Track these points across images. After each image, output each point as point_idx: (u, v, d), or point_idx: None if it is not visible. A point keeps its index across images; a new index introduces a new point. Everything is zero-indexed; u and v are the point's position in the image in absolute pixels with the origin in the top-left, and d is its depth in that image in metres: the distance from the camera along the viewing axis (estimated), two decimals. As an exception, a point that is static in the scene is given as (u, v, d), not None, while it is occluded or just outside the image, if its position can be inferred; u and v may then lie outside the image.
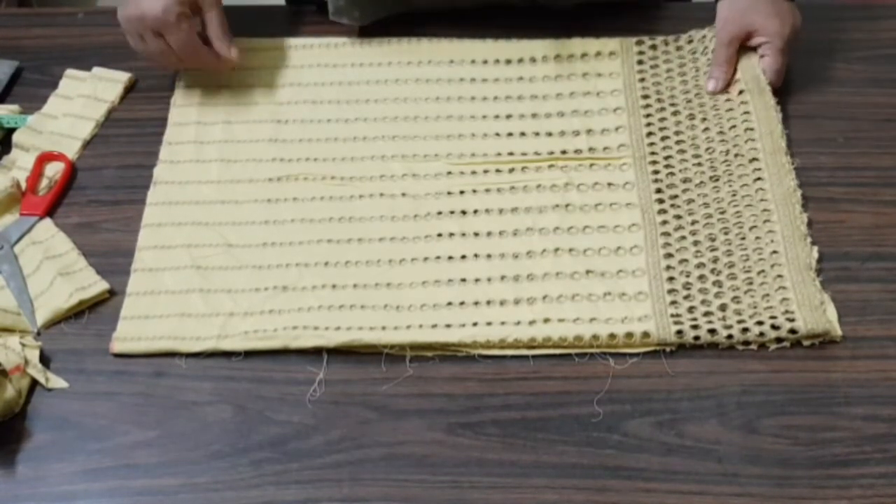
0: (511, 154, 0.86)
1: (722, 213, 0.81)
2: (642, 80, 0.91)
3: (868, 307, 0.76)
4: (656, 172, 0.84)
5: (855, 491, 0.66)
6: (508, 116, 0.89)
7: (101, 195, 0.86)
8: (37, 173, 0.86)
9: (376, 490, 0.68)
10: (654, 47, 0.93)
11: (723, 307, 0.75)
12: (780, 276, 0.76)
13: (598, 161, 0.85)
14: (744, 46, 0.89)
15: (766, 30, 0.87)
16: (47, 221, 0.83)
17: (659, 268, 0.78)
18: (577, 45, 0.94)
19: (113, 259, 0.81)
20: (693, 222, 0.80)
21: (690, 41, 0.93)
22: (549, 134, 0.88)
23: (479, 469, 0.68)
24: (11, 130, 0.90)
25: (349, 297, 0.77)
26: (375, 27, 0.96)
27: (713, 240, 0.79)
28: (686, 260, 0.78)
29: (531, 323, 0.74)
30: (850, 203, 0.82)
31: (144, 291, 0.78)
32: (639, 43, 0.93)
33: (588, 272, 0.78)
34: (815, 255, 0.78)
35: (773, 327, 0.73)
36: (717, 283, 0.76)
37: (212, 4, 0.87)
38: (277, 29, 0.99)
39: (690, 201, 0.82)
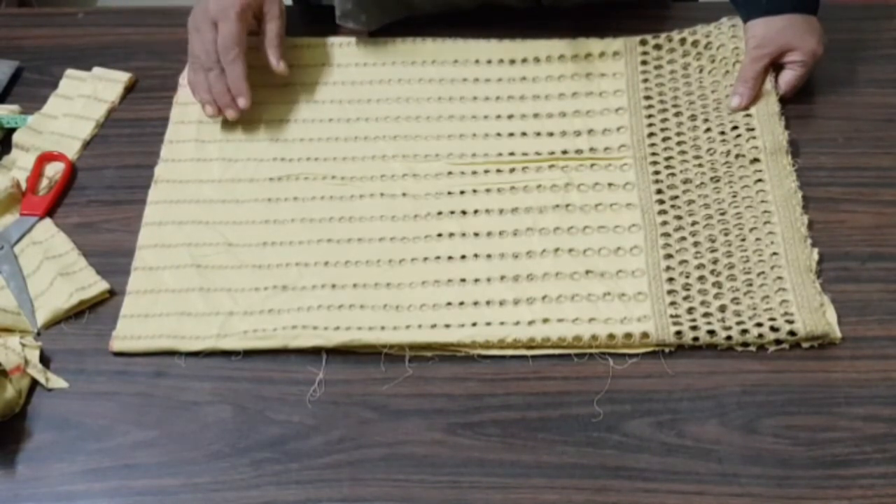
0: (511, 154, 0.86)
1: (722, 214, 0.81)
2: (645, 80, 0.91)
3: (868, 307, 0.76)
4: (657, 173, 0.84)
5: (855, 491, 0.66)
6: (510, 116, 0.89)
7: (101, 195, 0.86)
8: (37, 173, 0.86)
9: (376, 490, 0.68)
10: (658, 46, 0.93)
11: (722, 308, 0.75)
12: (779, 277, 0.76)
13: (599, 161, 0.85)
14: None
15: (802, 48, 0.87)
16: (47, 221, 0.83)
17: (658, 268, 0.78)
18: (582, 45, 0.94)
19: (113, 259, 0.81)
20: (693, 223, 0.80)
21: (694, 34, 0.92)
22: (550, 134, 0.88)
23: (479, 469, 0.68)
24: (11, 130, 0.90)
25: (349, 296, 0.77)
26: (379, 28, 0.96)
27: (713, 241, 0.79)
28: (686, 261, 0.78)
29: (530, 323, 0.74)
30: (851, 203, 0.82)
31: (144, 290, 0.78)
32: (643, 42, 0.93)
33: (588, 272, 0.78)
34: (816, 257, 0.78)
35: (773, 329, 0.73)
36: (717, 285, 0.76)
37: (274, 17, 0.89)
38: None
39: (691, 202, 0.82)
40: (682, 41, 0.93)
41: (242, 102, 0.87)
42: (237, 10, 0.86)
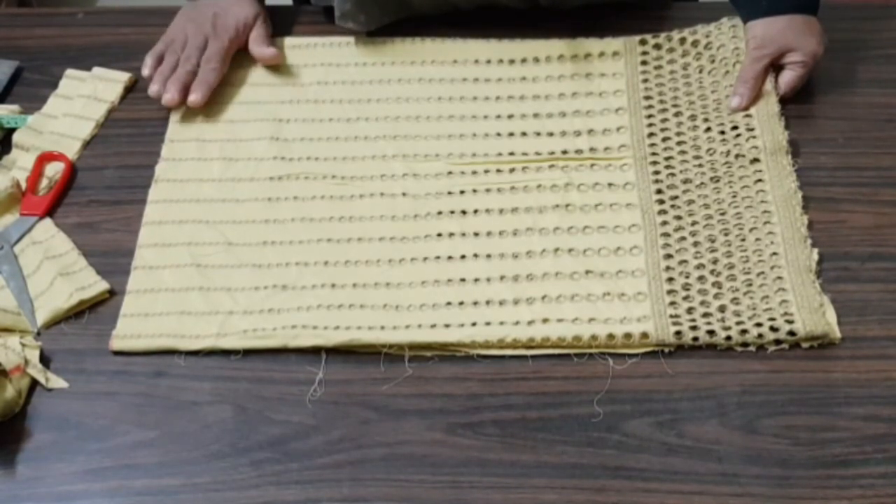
0: (511, 154, 0.86)
1: (722, 214, 0.81)
2: (645, 80, 0.91)
3: (868, 307, 0.76)
4: (657, 173, 0.84)
5: (855, 491, 0.66)
6: (510, 116, 0.89)
7: (101, 195, 0.86)
8: (37, 173, 0.86)
9: (376, 490, 0.68)
10: (657, 46, 0.93)
11: (722, 308, 0.75)
12: (779, 277, 0.76)
13: (599, 161, 0.85)
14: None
15: (803, 49, 0.87)
16: (47, 221, 0.83)
17: (658, 268, 0.78)
18: (582, 45, 0.94)
19: (113, 259, 0.81)
20: (693, 223, 0.80)
21: (695, 34, 0.92)
22: (550, 134, 0.88)
23: (479, 469, 0.68)
24: (11, 130, 0.90)
25: (348, 296, 0.77)
26: (379, 28, 0.96)
27: (713, 241, 0.79)
28: (686, 261, 0.78)
29: (530, 323, 0.74)
30: (851, 203, 0.82)
31: (144, 289, 0.78)
32: (642, 42, 0.93)
33: (587, 272, 0.78)
34: (816, 257, 0.78)
35: (772, 329, 0.73)
36: (717, 285, 0.76)
37: (261, 24, 0.95)
38: (281, 28, 0.99)
39: (691, 202, 0.82)
40: (682, 41, 0.93)
41: (194, 98, 0.90)
42: (231, 34, 0.93)
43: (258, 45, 0.94)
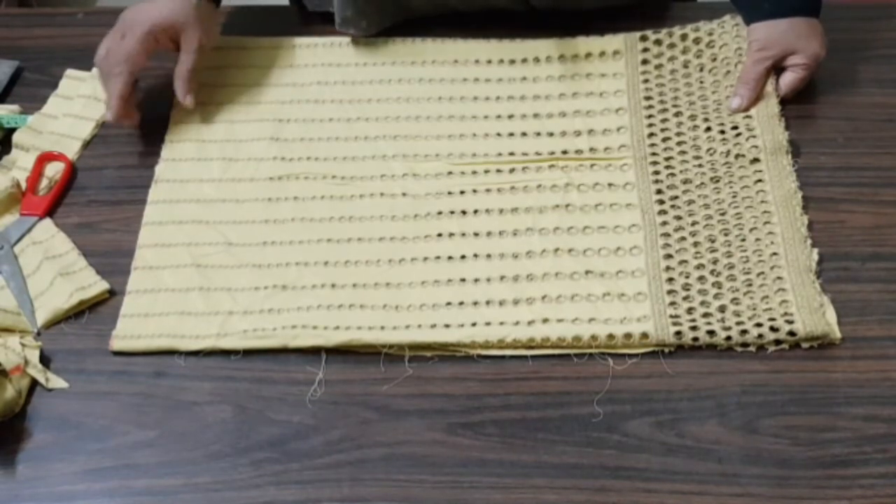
0: (511, 154, 0.86)
1: (722, 214, 0.81)
2: (646, 80, 0.91)
3: (868, 307, 0.76)
4: (657, 173, 0.84)
5: (855, 491, 0.66)
6: (510, 116, 0.89)
7: (101, 195, 0.86)
8: (37, 173, 0.86)
9: (376, 490, 0.68)
10: (658, 42, 0.93)
11: (722, 308, 0.75)
12: (779, 277, 0.76)
13: (599, 161, 0.85)
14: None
15: (805, 51, 0.87)
16: (47, 221, 0.83)
17: (658, 269, 0.78)
18: (582, 45, 0.94)
19: (113, 259, 0.81)
20: (693, 223, 0.80)
21: (697, 31, 0.92)
22: (551, 134, 0.88)
23: (479, 469, 0.68)
24: (11, 130, 0.90)
25: (348, 296, 0.77)
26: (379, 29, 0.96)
27: (713, 241, 0.79)
28: (686, 261, 0.78)
29: (530, 323, 0.74)
30: (851, 203, 0.82)
31: (144, 289, 0.78)
32: (643, 39, 0.93)
33: (587, 272, 0.78)
34: (816, 257, 0.78)
35: (772, 329, 0.73)
36: (717, 285, 0.76)
37: (189, 50, 0.88)
38: (281, 28, 0.99)
39: (691, 202, 0.82)
40: (684, 37, 0.93)
41: (108, 115, 0.86)
42: (144, 30, 0.86)
43: (180, 81, 0.88)
